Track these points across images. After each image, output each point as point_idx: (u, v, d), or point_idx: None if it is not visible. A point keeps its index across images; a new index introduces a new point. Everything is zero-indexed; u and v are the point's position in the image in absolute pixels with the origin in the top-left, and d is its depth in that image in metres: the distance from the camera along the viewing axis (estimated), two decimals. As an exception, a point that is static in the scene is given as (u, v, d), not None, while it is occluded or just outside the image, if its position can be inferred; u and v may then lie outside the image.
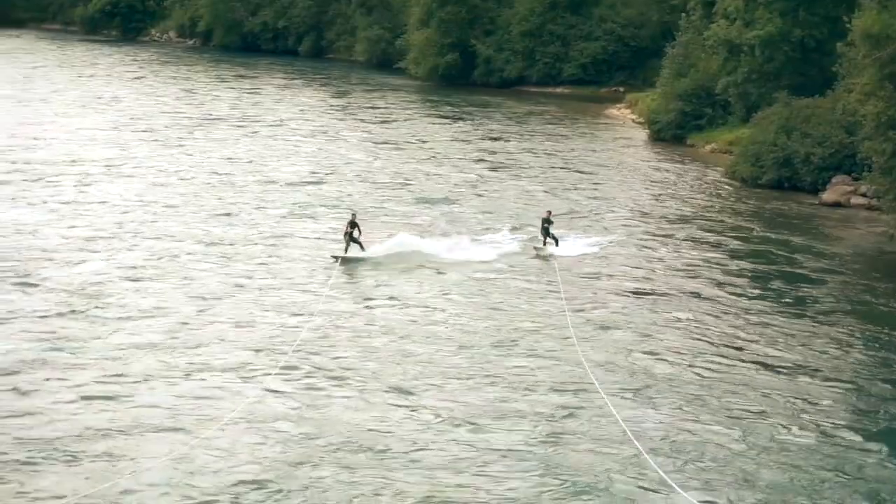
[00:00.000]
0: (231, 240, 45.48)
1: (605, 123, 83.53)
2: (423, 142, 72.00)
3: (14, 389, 29.11)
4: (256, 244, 44.65)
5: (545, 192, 57.04)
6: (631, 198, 56.43)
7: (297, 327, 34.70)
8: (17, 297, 36.87)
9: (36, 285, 38.30)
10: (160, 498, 23.52)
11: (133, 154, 64.64)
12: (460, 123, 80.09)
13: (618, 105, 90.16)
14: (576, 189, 58.30)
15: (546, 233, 44.45)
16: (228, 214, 50.11)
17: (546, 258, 43.89)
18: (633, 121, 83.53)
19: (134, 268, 40.84)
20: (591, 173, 62.71)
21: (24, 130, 71.97)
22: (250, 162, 62.95)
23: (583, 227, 49.15)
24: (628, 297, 39.34)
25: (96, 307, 36.06)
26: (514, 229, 47.91)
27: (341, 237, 42.60)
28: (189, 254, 42.99)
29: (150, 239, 45.12)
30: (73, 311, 35.56)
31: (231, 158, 63.86)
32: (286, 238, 46.07)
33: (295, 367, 31.24)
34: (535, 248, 44.72)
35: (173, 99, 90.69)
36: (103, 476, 24.29)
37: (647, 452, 25.57)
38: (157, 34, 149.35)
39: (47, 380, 29.85)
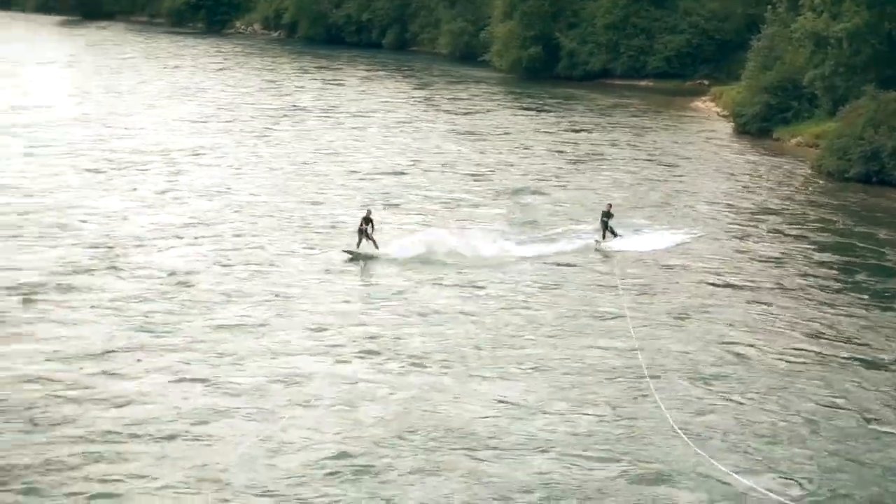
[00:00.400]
0: (315, 227, 46.20)
1: (690, 116, 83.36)
2: (506, 133, 72.40)
3: (107, 371, 29.95)
4: (342, 232, 45.22)
5: (629, 184, 57.25)
6: (715, 190, 56.49)
7: (379, 311, 35.36)
8: (108, 281, 37.88)
9: (126, 270, 39.23)
10: (250, 477, 24.13)
11: (219, 144, 65.80)
12: (543, 115, 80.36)
13: (702, 98, 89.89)
14: (659, 181, 58.43)
15: (605, 226, 44.16)
16: (313, 203, 50.87)
17: (605, 251, 43.67)
18: (718, 114, 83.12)
19: (221, 253, 41.62)
20: (674, 166, 62.80)
21: (113, 120, 73.61)
22: (334, 152, 63.77)
23: (667, 220, 49.22)
24: (709, 287, 39.46)
25: (185, 292, 36.93)
26: (574, 223, 47.75)
27: (356, 232, 42.15)
28: (274, 241, 43.75)
29: (236, 226, 45.95)
30: (162, 296, 36.46)
31: (315, 148, 64.77)
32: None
33: (379, 352, 31.84)
34: (596, 240, 44.26)
35: (257, 90, 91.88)
36: (196, 456, 25.01)
37: (716, 441, 25.84)
38: (242, 26, 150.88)
39: (139, 361, 30.69)
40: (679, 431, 26.16)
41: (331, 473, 24.48)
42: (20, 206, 48.63)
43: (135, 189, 52.75)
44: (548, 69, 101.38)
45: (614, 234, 44.07)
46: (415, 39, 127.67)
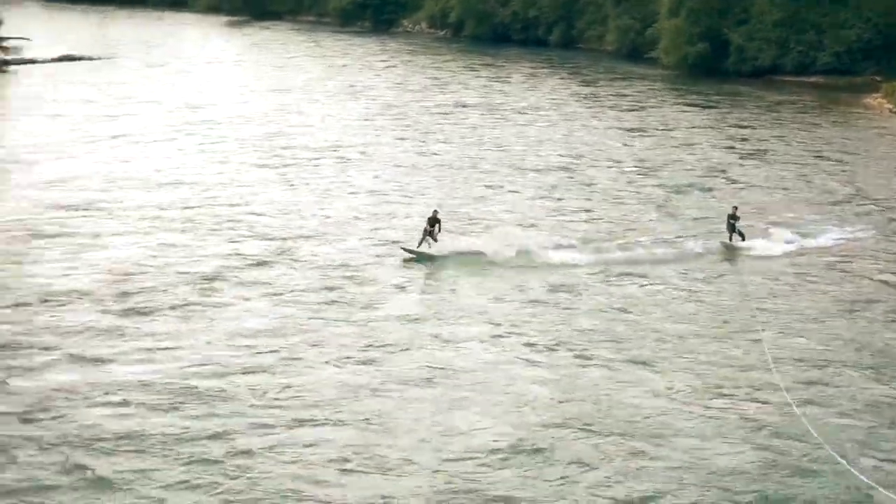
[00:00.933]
0: (481, 219, 47.24)
1: (860, 113, 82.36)
2: (670, 129, 72.55)
3: (281, 356, 31.41)
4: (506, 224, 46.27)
5: (796, 180, 57.11)
6: (884, 190, 55.80)
7: (545, 302, 36.29)
8: (283, 271, 39.38)
9: (300, 261, 40.76)
10: (425, 459, 25.23)
11: (386, 140, 67.35)
12: (710, 112, 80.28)
13: (874, 95, 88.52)
14: (828, 178, 58.00)
15: (732, 228, 43.66)
16: (481, 198, 51.95)
17: (732, 253, 43.32)
18: (891, 111, 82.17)
19: (389, 247, 42.85)
20: (844, 163, 62.23)
21: (283, 118, 75.76)
22: (499, 148, 64.76)
23: (836, 218, 48.97)
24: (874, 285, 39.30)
25: (355, 283, 38.24)
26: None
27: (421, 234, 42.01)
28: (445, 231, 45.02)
29: (406, 220, 47.19)
30: (333, 287, 37.80)
31: (480, 145, 65.83)
32: (537, 220, 47.53)
33: (542, 342, 32.80)
34: (722, 243, 43.80)
35: (423, 87, 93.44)
36: (366, 436, 26.21)
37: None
38: (409, 25, 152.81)
39: (313, 345, 32.13)
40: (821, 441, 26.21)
41: (501, 458, 25.34)
42: (196, 200, 50.71)
43: (307, 184, 54.39)
44: (715, 66, 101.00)
45: (742, 237, 43.58)
46: (581, 36, 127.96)
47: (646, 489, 24.09)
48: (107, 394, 28.62)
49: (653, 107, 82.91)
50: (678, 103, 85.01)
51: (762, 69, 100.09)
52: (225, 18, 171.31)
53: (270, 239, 43.61)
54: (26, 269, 39.70)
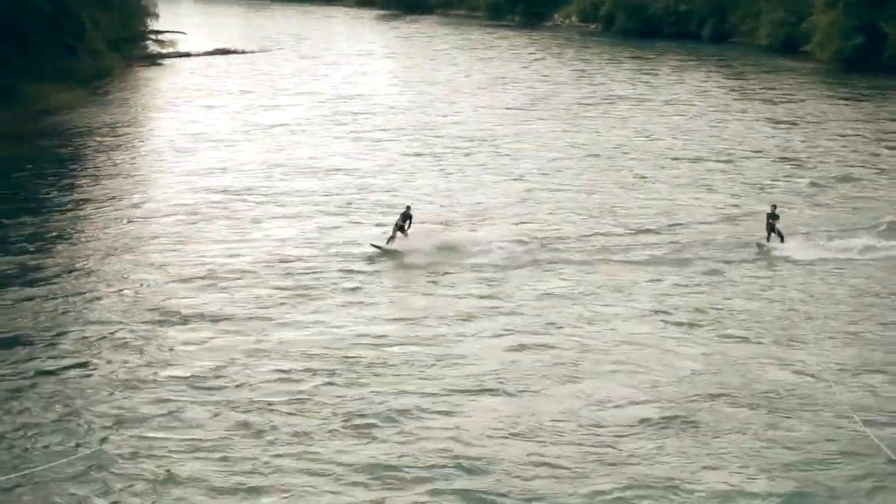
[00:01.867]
0: (628, 208, 48.72)
1: None
2: (818, 122, 72.60)
3: (439, 331, 33.36)
4: (653, 213, 47.64)
5: None
6: None
7: (685, 286, 37.76)
8: (443, 256, 41.37)
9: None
10: (573, 427, 26.77)
11: (535, 129, 69.23)
12: (863, 106, 79.91)
13: None
14: None
15: (771, 228, 42.62)
16: (632, 187, 53.31)
17: (767, 253, 42.23)
18: None
19: (540, 229, 44.62)
20: None
21: (434, 107, 78.21)
22: (646, 138, 66.08)
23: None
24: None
25: (509, 264, 40.11)
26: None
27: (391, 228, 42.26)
28: (592, 217, 46.47)
29: (553, 206, 48.91)
30: (481, 266, 39.81)
31: (628, 135, 67.11)
32: (682, 208, 48.80)
33: (690, 320, 34.32)
34: (758, 244, 42.87)
35: (571, 79, 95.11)
36: (525, 408, 27.90)
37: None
38: (560, 19, 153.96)
39: (467, 321, 34.22)
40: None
41: (652, 427, 26.80)
42: (352, 185, 53.10)
43: (459, 171, 56.45)
44: (872, 60, 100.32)
45: (781, 237, 42.50)
46: (734, 30, 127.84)
47: (791, 460, 25.29)
48: (271, 360, 30.73)
49: (803, 100, 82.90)
50: (830, 97, 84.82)
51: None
52: (376, 12, 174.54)
53: (423, 223, 45.30)
54: (192, 248, 42.43)
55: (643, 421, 27.06)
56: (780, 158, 60.33)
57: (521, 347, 31.93)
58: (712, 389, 28.89)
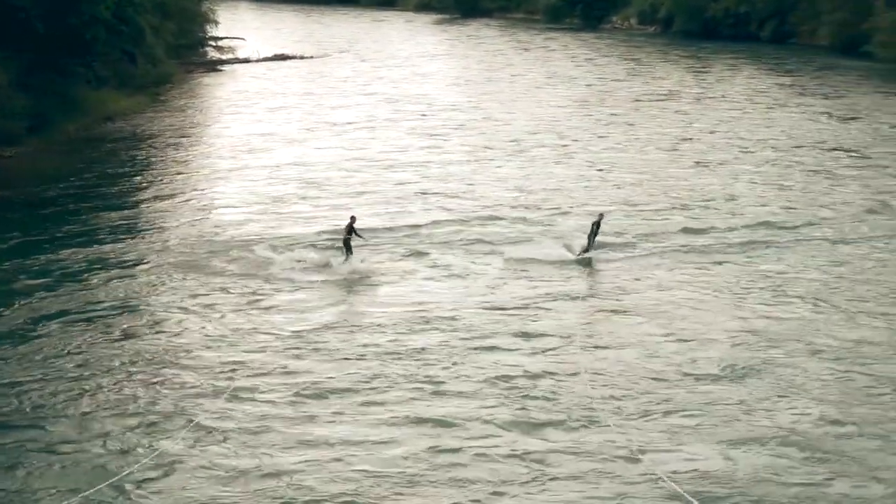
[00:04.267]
0: (697, 201, 52.14)
1: None
2: (878, 118, 75.22)
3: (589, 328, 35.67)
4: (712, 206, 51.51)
5: None
6: None
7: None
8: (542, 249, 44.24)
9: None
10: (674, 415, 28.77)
11: (589, 125, 74.42)
12: None
13: None
14: None
15: (594, 236, 42.47)
16: (691, 178, 56.90)
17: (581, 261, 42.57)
18: None
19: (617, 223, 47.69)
20: None
21: (492, 106, 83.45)
22: (694, 137, 70.13)
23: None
24: None
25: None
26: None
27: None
28: (662, 212, 49.77)
29: (610, 197, 52.92)
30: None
31: (681, 133, 71.22)
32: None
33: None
34: (582, 248, 42.67)
35: (626, 77, 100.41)
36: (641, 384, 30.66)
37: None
38: (619, 21, 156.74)
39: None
40: None
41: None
42: (416, 178, 57.63)
43: (523, 169, 60.21)
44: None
45: (588, 247, 42.48)
46: (794, 31, 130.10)
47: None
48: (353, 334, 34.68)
49: (859, 95, 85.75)
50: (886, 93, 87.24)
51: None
52: (434, 16, 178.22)
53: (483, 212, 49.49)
54: (270, 229, 46.91)
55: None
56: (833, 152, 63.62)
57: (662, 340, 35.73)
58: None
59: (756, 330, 34.57)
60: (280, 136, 70.72)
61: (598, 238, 42.58)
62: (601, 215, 43.02)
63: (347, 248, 41.17)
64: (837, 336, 34.01)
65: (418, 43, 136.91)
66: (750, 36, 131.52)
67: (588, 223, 43.23)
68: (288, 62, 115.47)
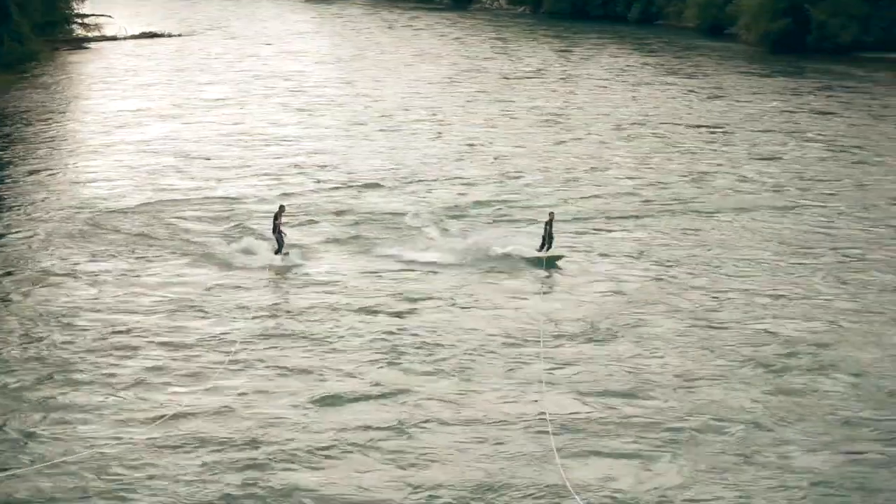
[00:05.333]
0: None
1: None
2: (741, 100, 77.77)
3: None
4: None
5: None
6: None
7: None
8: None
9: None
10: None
11: (459, 102, 76.13)
12: (794, 97, 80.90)
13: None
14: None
15: (549, 235, 41.20)
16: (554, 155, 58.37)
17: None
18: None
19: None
20: None
21: (363, 82, 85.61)
22: (556, 115, 71.73)
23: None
24: None
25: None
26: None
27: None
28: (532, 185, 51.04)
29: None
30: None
31: (546, 110, 73.36)
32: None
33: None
34: (536, 250, 41.23)
35: (489, 57, 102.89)
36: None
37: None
38: (488, 1, 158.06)
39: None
40: None
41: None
42: (291, 151, 58.86)
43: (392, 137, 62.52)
44: (797, 42, 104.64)
45: (545, 245, 41.01)
46: (661, 13, 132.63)
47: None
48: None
49: (721, 75, 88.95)
50: (753, 83, 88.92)
51: (844, 46, 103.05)
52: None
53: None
54: (147, 201, 47.63)
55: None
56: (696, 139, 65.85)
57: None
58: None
59: (620, 291, 36.66)
60: (152, 111, 71.45)
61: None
62: (552, 214, 41.42)
63: (278, 239, 39.65)
64: (693, 298, 35.96)
65: (285, 21, 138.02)
66: (618, 17, 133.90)
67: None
68: (156, 40, 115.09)
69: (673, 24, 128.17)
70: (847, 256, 41.18)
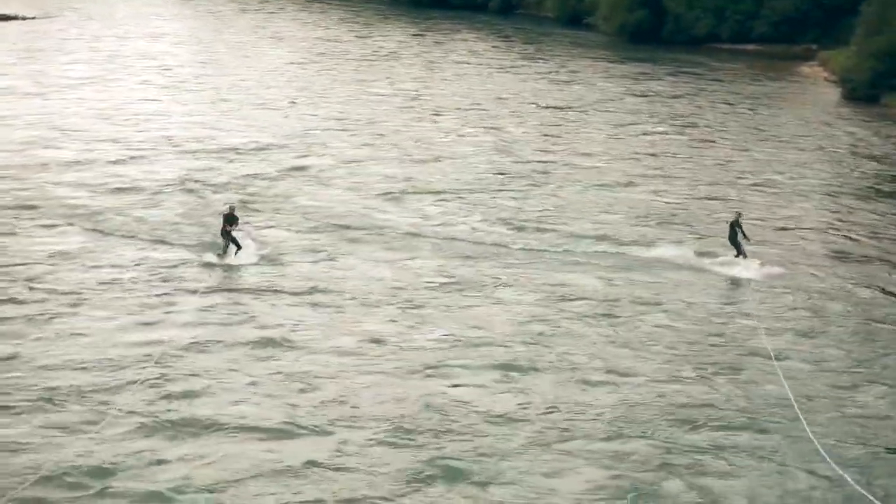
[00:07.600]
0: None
1: (797, 82, 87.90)
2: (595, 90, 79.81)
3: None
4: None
5: (731, 160, 58.90)
6: (821, 160, 59.28)
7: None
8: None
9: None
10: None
11: (323, 82, 78.67)
12: (645, 82, 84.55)
13: (809, 63, 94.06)
14: (762, 157, 59.78)
15: (735, 240, 39.28)
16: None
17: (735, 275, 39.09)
18: (826, 79, 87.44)
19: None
20: (779, 136, 64.85)
21: (217, 63, 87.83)
22: (410, 97, 74.01)
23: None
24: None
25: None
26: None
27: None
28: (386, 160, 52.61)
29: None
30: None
31: (399, 92, 75.74)
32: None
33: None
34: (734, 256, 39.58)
35: (346, 41, 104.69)
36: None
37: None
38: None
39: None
40: None
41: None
42: (160, 127, 60.50)
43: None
44: (653, 34, 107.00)
45: (740, 251, 39.27)
46: (521, 2, 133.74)
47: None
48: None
49: (575, 72, 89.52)
50: (612, 74, 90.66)
51: (699, 38, 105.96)
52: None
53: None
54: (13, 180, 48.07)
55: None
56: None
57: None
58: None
59: (463, 255, 39.68)
60: (12, 90, 70.83)
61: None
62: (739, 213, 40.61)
63: (230, 239, 38.40)
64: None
65: (142, 4, 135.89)
66: (478, 6, 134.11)
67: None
68: (9, 22, 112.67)
69: (533, 14, 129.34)
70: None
